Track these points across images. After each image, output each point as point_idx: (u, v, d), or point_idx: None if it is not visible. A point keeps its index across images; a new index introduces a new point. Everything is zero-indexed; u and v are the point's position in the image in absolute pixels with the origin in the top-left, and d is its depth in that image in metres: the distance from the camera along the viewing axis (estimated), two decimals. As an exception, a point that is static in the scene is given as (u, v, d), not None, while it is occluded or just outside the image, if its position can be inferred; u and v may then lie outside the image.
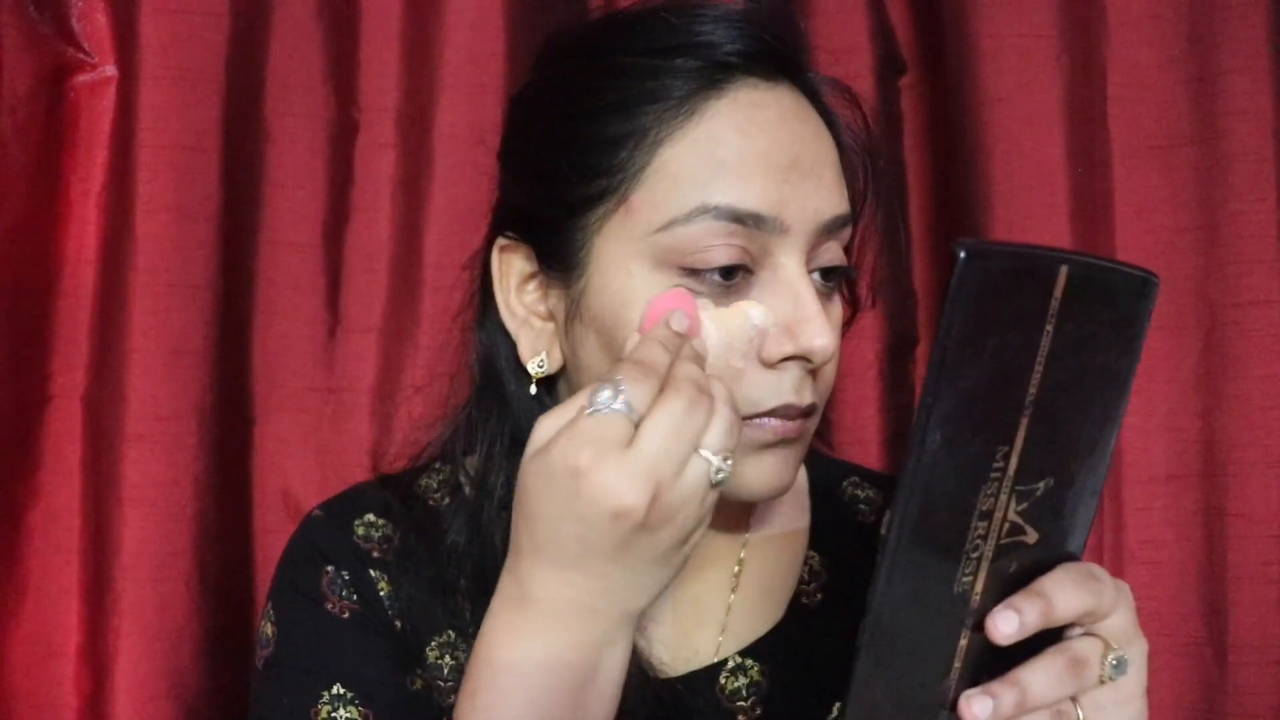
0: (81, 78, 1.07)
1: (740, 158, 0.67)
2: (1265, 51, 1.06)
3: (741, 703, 0.75)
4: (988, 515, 0.55)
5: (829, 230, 0.69)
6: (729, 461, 0.59)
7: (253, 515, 1.10)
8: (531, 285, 0.74)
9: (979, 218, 1.09)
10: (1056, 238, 1.07)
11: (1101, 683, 0.58)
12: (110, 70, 1.06)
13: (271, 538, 1.09)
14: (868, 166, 0.76)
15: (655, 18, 0.71)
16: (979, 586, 0.56)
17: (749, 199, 0.66)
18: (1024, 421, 0.54)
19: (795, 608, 0.78)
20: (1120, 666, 0.58)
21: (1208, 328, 1.08)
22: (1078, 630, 0.58)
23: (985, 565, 0.56)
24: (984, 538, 0.55)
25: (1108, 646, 0.58)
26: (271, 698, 0.73)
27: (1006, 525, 0.55)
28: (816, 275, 0.70)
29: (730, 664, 0.76)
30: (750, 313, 0.67)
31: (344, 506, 0.79)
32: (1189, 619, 1.08)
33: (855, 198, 0.74)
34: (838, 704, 0.75)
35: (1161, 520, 1.08)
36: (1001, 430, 0.53)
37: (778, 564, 0.80)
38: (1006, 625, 0.56)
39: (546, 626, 0.60)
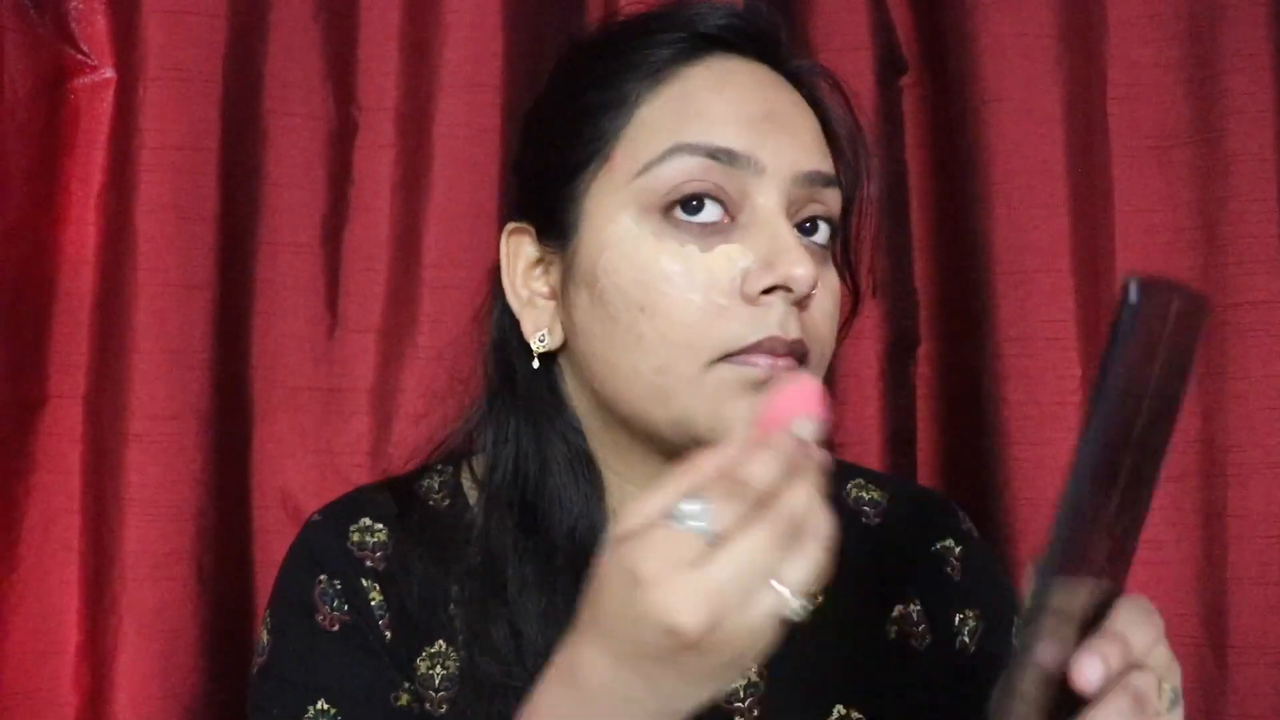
0: (81, 80, 1.06)
1: (712, 106, 0.70)
2: (1265, 51, 1.07)
3: (739, 704, 0.75)
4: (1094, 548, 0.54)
5: (809, 182, 0.71)
6: (803, 603, 0.55)
7: (252, 515, 1.10)
8: (538, 270, 0.76)
9: (979, 218, 1.09)
10: (1056, 238, 1.07)
11: (1157, 715, 0.57)
12: (109, 73, 1.06)
13: (271, 538, 1.09)
14: (859, 155, 0.77)
15: (645, 11, 0.76)
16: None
17: (721, 137, 0.69)
18: (1128, 463, 0.52)
19: None
20: (1175, 699, 0.58)
21: (1207, 328, 1.08)
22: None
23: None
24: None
25: (1160, 679, 0.58)
26: (263, 706, 0.74)
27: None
28: (805, 238, 0.72)
29: None
30: (732, 253, 0.69)
31: (342, 511, 0.79)
32: (1189, 619, 1.08)
33: (848, 186, 0.76)
34: (837, 707, 0.75)
35: (1161, 521, 1.08)
36: (1118, 472, 0.52)
37: None
38: (1093, 672, 0.55)
39: (588, 708, 0.58)
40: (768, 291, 0.68)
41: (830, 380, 1.02)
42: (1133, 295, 0.48)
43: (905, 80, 1.16)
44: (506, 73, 1.09)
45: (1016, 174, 1.08)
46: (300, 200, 1.10)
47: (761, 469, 0.54)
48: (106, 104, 1.06)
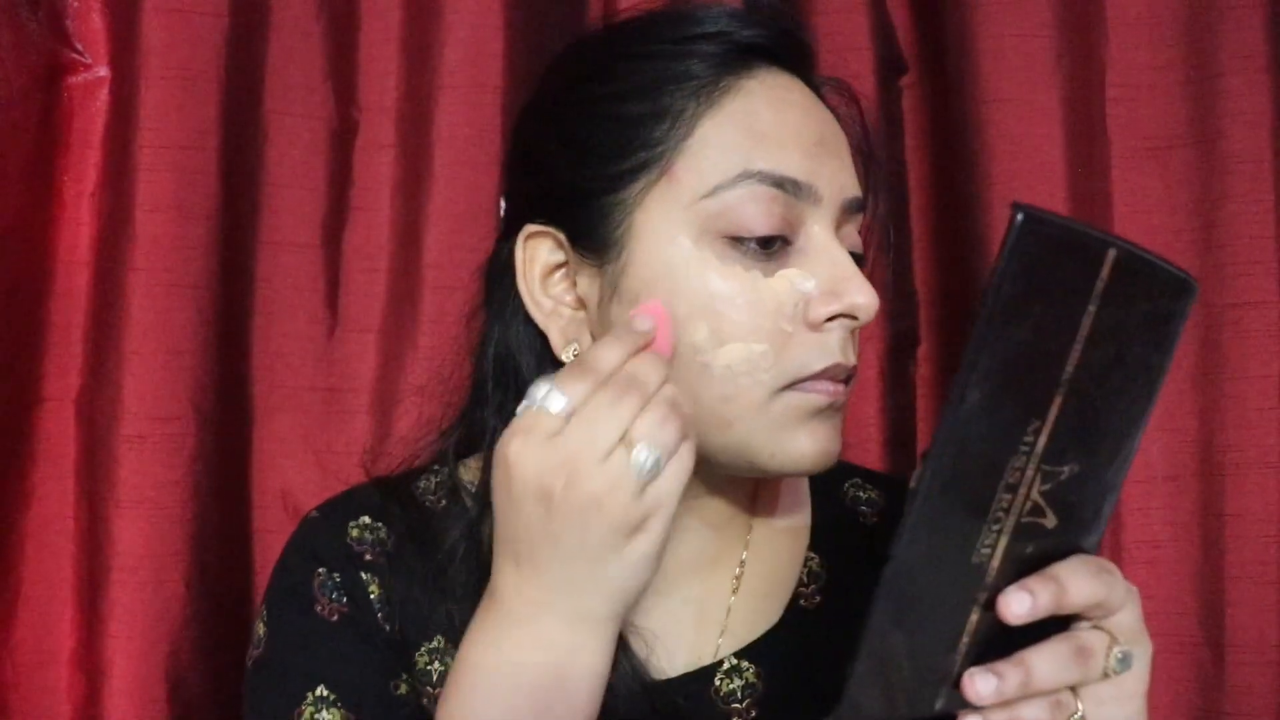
0: (75, 78, 1.06)
1: (776, 128, 0.70)
2: (1263, 52, 1.07)
3: (736, 704, 0.75)
4: (1013, 488, 0.55)
5: (851, 209, 0.72)
6: (656, 454, 0.60)
7: (251, 516, 1.09)
8: (558, 275, 0.74)
9: (979, 218, 1.09)
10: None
11: (1105, 676, 0.58)
12: (103, 71, 1.06)
13: (271, 539, 1.09)
14: (868, 166, 0.78)
15: (668, 13, 0.74)
16: (995, 562, 0.56)
17: (788, 166, 0.69)
18: (1058, 399, 0.54)
19: (793, 610, 0.78)
20: (1125, 661, 0.58)
21: (1205, 328, 1.09)
22: (1085, 623, 0.58)
23: (1004, 540, 0.56)
24: (1007, 510, 0.55)
25: (1113, 640, 0.58)
26: (259, 697, 0.74)
27: (1029, 504, 0.56)
28: None
29: (726, 665, 0.76)
30: (794, 278, 0.69)
31: (340, 508, 0.79)
32: (1186, 619, 1.08)
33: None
34: (838, 704, 0.75)
35: (1159, 520, 1.09)
36: (1036, 403, 0.54)
37: (778, 564, 0.79)
38: (1019, 605, 0.55)
39: (508, 626, 0.62)
40: (831, 319, 0.68)
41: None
42: (1017, 219, 0.51)
43: (905, 80, 1.16)
44: (507, 73, 1.09)
45: (1016, 174, 1.08)
46: (300, 200, 1.10)
47: (603, 352, 0.63)
48: (101, 102, 1.05)
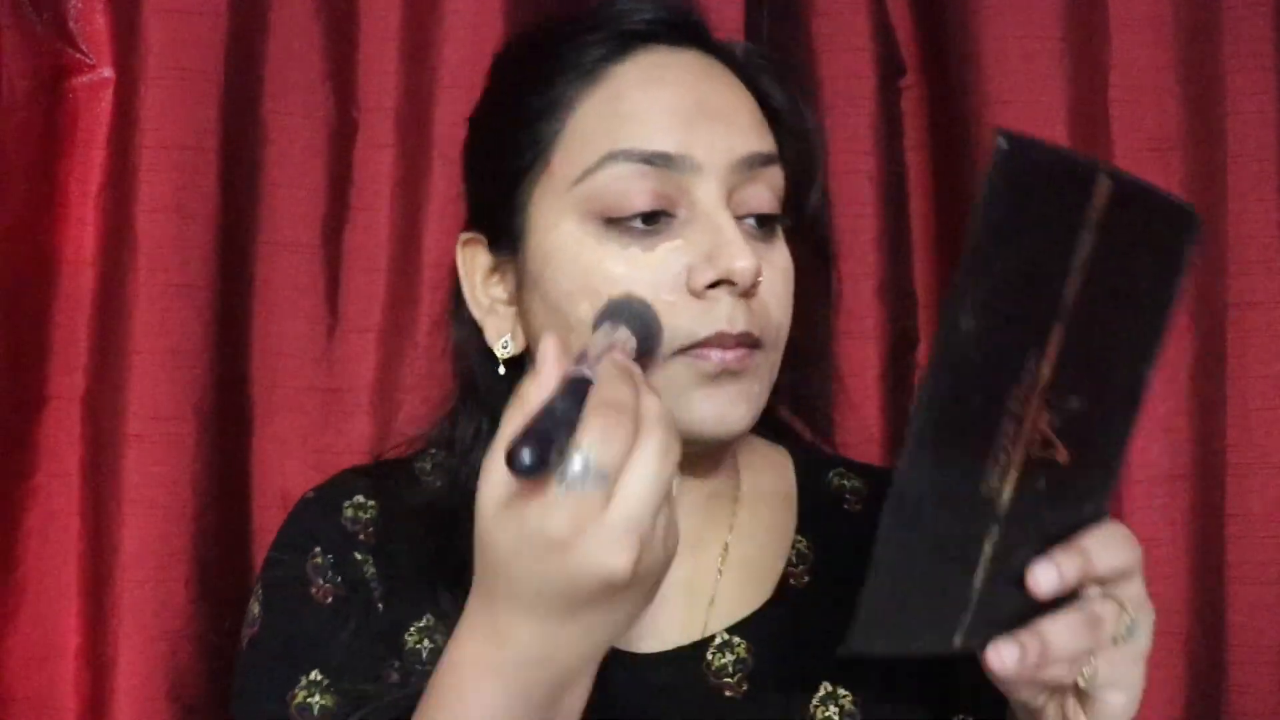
0: (79, 79, 1.06)
1: (642, 106, 0.72)
2: (1267, 52, 1.07)
3: (728, 679, 0.76)
4: (1018, 419, 0.55)
5: (747, 167, 0.73)
6: (680, 481, 0.57)
7: (252, 516, 1.09)
8: (495, 277, 0.78)
9: (979, 218, 1.09)
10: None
11: (1114, 643, 0.60)
12: (108, 72, 1.06)
13: (270, 538, 1.07)
14: (805, 126, 0.79)
15: (576, 10, 0.78)
16: (1007, 494, 0.57)
17: (653, 140, 0.71)
18: (1057, 328, 0.54)
19: (783, 589, 0.79)
20: (1132, 629, 0.61)
21: (1207, 328, 1.08)
22: (1094, 590, 0.60)
23: (1014, 474, 0.56)
24: (1013, 442, 0.56)
25: (1122, 609, 0.60)
26: (253, 677, 0.76)
27: (1038, 436, 0.56)
28: (750, 221, 0.73)
29: (718, 640, 0.77)
30: (668, 250, 0.70)
31: (335, 489, 0.81)
32: (1186, 617, 1.08)
33: (798, 160, 0.78)
34: (824, 684, 0.76)
35: (1160, 519, 1.08)
36: (1035, 331, 0.54)
37: (765, 546, 0.81)
38: (1047, 579, 0.58)
39: (518, 670, 0.58)
40: (713, 285, 0.70)
41: (830, 380, 1.03)
42: (1000, 143, 0.51)
43: (905, 81, 1.15)
44: (507, 73, 1.09)
45: (1017, 175, 1.08)
46: (300, 200, 1.10)
47: (620, 389, 0.55)
48: (105, 103, 1.06)
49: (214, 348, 1.05)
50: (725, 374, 0.71)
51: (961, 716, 0.78)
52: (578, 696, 0.61)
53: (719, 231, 0.70)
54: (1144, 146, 1.09)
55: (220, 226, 1.05)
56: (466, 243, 0.79)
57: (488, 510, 0.56)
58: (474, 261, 0.79)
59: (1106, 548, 0.59)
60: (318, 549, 0.77)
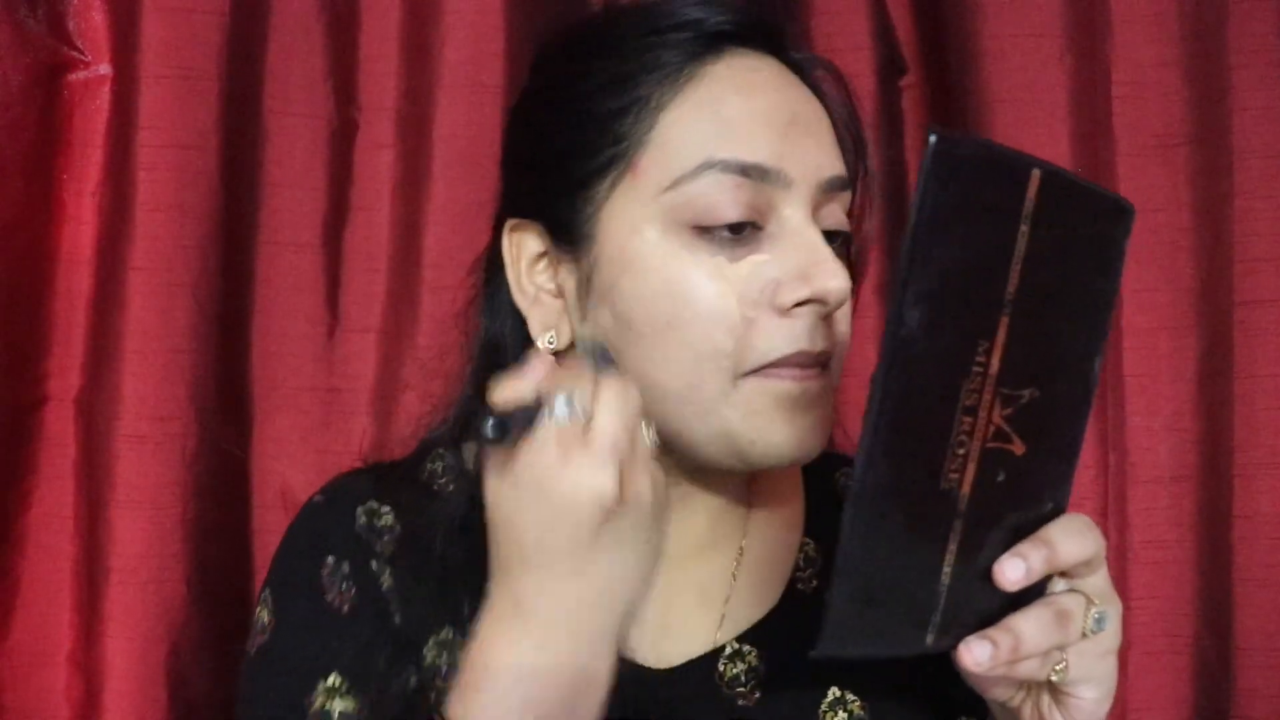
0: (75, 76, 1.06)
1: (742, 114, 0.70)
2: (1271, 47, 1.06)
3: (741, 689, 0.75)
4: (972, 411, 0.56)
5: (830, 189, 0.71)
6: (653, 432, 0.62)
7: (251, 516, 1.09)
8: (542, 264, 0.75)
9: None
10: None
11: (1084, 636, 0.60)
12: (104, 69, 1.06)
13: (270, 539, 1.08)
14: (859, 142, 0.78)
15: (642, 5, 0.75)
16: (966, 489, 0.57)
17: (753, 152, 0.68)
18: (1004, 320, 0.55)
19: (791, 593, 0.78)
20: (1101, 622, 0.61)
21: (1213, 327, 1.08)
22: (1060, 585, 0.61)
23: (972, 467, 0.57)
24: (969, 435, 0.56)
25: (1089, 602, 0.61)
26: (263, 685, 0.73)
27: (993, 428, 0.57)
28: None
29: (728, 650, 0.76)
30: (759, 264, 0.68)
31: (346, 493, 0.78)
32: (1193, 620, 1.08)
33: (850, 172, 0.76)
34: (832, 689, 0.76)
35: (1166, 521, 1.08)
36: (981, 323, 0.55)
37: (776, 548, 0.80)
38: (1014, 572, 0.58)
39: (546, 635, 0.60)
40: (800, 304, 0.68)
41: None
42: (930, 141, 0.52)
43: (905, 80, 1.15)
44: (507, 73, 1.09)
45: (1019, 174, 1.07)
46: (300, 200, 1.10)
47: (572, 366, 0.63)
48: (102, 101, 1.06)
49: (214, 347, 1.05)
50: (805, 398, 0.69)
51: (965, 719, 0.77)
52: (605, 666, 0.61)
53: (813, 249, 0.68)
54: (1148, 144, 1.08)
55: (220, 226, 1.05)
56: (514, 228, 0.75)
57: (491, 483, 0.61)
58: (521, 246, 0.75)
59: (1070, 538, 0.60)
60: (330, 557, 0.75)
